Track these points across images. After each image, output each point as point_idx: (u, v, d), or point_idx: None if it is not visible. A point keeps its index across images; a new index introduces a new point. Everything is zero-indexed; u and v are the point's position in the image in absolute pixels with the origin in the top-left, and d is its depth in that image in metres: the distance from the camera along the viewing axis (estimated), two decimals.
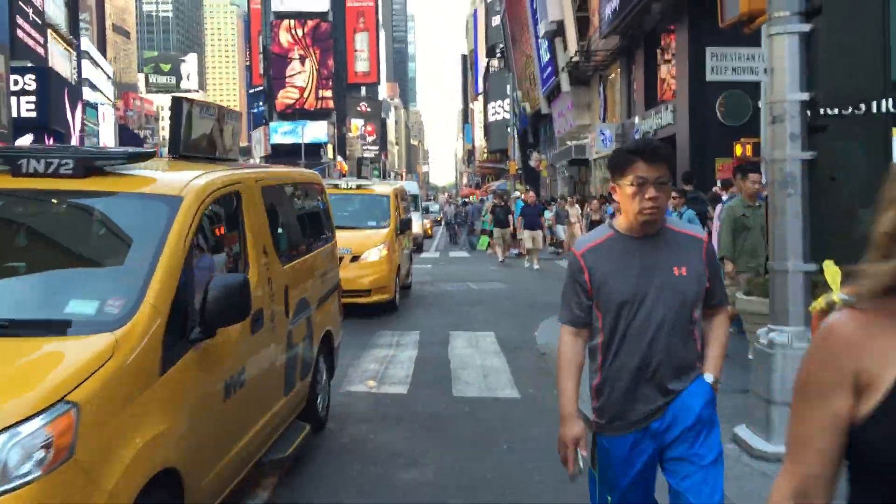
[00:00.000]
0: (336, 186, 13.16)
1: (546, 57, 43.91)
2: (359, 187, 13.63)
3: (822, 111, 4.72)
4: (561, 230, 24.39)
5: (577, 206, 24.90)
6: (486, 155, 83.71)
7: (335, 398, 6.71)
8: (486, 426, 6.20)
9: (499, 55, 65.90)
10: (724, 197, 11.85)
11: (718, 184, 15.15)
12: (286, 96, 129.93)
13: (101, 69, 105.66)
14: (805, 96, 4.75)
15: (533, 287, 15.73)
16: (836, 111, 4.66)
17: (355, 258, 11.50)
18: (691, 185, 11.47)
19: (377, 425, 6.26)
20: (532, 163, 51.35)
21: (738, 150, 22.95)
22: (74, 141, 74.75)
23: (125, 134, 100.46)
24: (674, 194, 9.45)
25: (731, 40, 22.72)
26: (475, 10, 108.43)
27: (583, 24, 36.38)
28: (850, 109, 4.64)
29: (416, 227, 23.40)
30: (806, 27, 4.70)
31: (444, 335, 10.17)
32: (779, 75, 4.80)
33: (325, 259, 6.28)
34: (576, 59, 35.28)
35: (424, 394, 7.16)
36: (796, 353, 4.77)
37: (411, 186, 29.07)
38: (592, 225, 15.48)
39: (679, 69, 26.32)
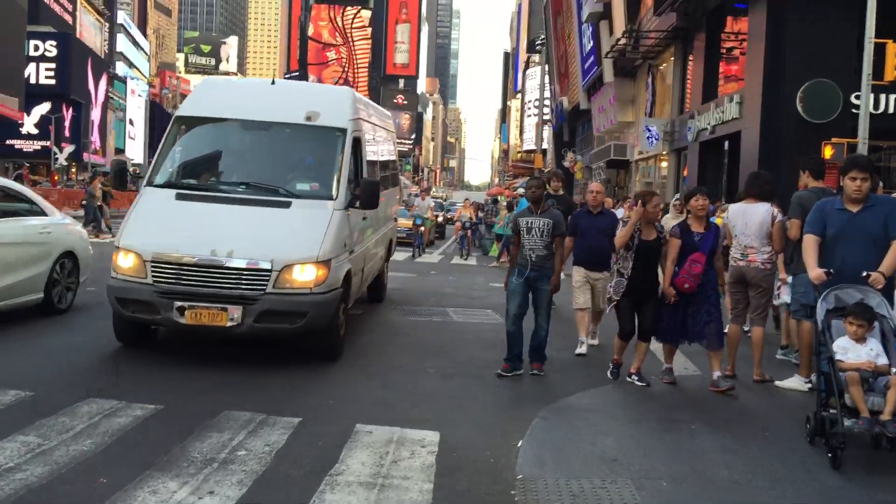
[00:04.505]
0: None
1: (589, 45, 38.95)
2: None
3: None
4: None
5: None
6: (519, 154, 78.87)
7: None
8: None
9: (537, 47, 60.82)
10: None
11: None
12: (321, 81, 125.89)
13: (139, 45, 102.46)
14: None
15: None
16: None
17: None
18: (821, 181, 6.50)
19: None
20: (566, 163, 46.29)
21: (828, 152, 17.94)
22: (96, 113, 71.44)
23: (157, 111, 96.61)
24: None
25: (824, 23, 18.04)
26: (520, 5, 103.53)
27: (633, 7, 31.43)
28: None
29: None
30: None
31: (342, 434, 5.32)
32: None
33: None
34: (623, 40, 30.17)
35: None
36: None
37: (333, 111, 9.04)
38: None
39: (752, 53, 21.26)
